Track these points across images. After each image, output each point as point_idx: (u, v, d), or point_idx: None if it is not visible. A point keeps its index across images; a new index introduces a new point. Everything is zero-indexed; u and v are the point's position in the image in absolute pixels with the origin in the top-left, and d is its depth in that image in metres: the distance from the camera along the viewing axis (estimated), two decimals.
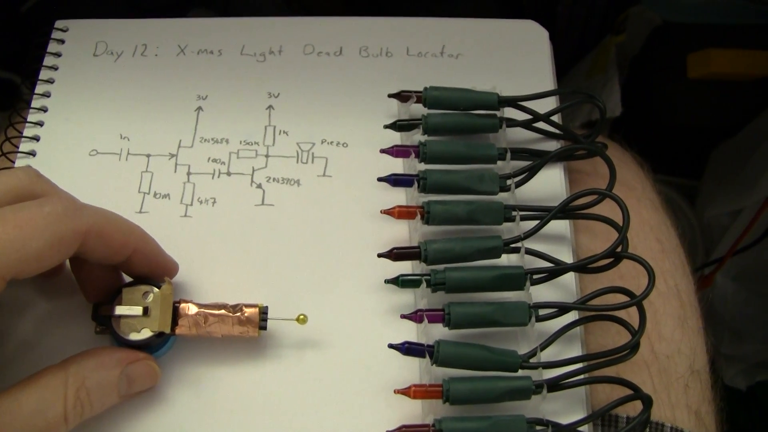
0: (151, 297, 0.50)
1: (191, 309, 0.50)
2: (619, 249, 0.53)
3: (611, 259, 0.53)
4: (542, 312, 0.52)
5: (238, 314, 0.50)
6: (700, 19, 1.15)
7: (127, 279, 0.52)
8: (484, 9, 1.20)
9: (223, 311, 0.50)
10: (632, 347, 0.51)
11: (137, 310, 0.50)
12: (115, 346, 0.50)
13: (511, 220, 0.55)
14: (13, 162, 0.59)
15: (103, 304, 0.51)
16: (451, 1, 1.15)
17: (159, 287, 0.51)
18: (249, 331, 0.50)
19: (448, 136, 0.59)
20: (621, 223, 0.53)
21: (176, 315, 0.50)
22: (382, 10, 0.67)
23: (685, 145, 1.19)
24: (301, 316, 0.51)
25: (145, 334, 0.50)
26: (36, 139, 0.60)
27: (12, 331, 0.53)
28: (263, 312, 0.51)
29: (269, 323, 0.51)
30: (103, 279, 0.51)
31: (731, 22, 1.12)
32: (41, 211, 0.43)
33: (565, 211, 0.55)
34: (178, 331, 0.50)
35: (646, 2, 1.17)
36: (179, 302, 0.51)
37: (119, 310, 0.50)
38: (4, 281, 0.42)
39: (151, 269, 0.51)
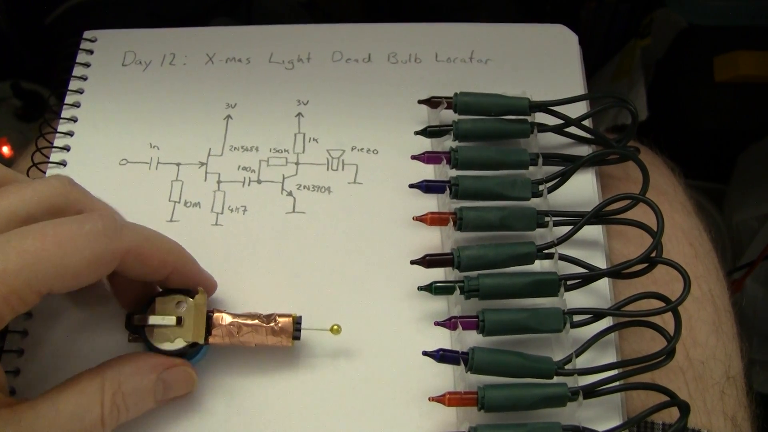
0: (184, 307, 0.50)
1: (225, 319, 0.50)
2: (653, 254, 0.52)
3: (646, 265, 0.53)
4: (576, 318, 0.52)
5: (272, 324, 0.50)
6: (726, 22, 1.14)
7: None
8: (507, 14, 1.20)
9: (256, 321, 0.50)
10: (668, 353, 0.50)
11: (170, 320, 0.50)
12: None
13: (544, 225, 0.54)
14: (44, 172, 0.59)
15: (135, 313, 0.50)
16: (473, 6, 1.15)
17: (192, 297, 0.50)
18: (283, 341, 0.50)
19: (479, 142, 0.58)
20: (655, 228, 0.52)
21: (210, 325, 0.50)
22: (404, 19, 0.67)
23: (713, 148, 1.18)
24: (335, 327, 0.51)
25: (179, 344, 0.49)
26: (66, 149, 0.61)
27: (46, 339, 0.53)
28: (297, 322, 0.51)
29: (303, 333, 0.51)
30: (138, 290, 0.52)
31: (759, 23, 1.12)
32: (81, 229, 0.43)
33: (598, 216, 0.55)
34: (211, 340, 0.50)
35: (671, 5, 1.17)
36: (213, 312, 0.51)
37: (152, 320, 0.50)
38: (39, 296, 0.42)
39: (188, 287, 0.51)
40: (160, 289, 0.52)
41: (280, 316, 0.50)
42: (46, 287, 0.42)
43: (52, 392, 0.44)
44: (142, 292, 0.51)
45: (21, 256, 0.41)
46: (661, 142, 0.69)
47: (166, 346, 0.49)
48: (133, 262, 0.46)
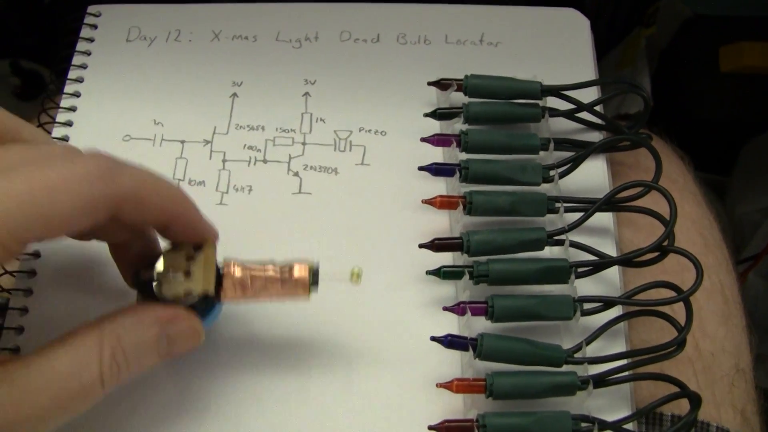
0: (194, 260, 0.46)
1: (236, 270, 0.47)
2: (665, 243, 0.51)
3: (657, 254, 0.52)
4: (587, 306, 0.51)
5: (287, 275, 0.46)
6: (732, 12, 1.13)
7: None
8: None
9: (271, 273, 0.47)
10: (679, 344, 0.49)
11: (179, 274, 0.46)
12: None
13: (555, 211, 0.54)
14: None
15: (142, 268, 0.46)
16: None
17: (200, 249, 0.47)
18: (300, 294, 0.47)
19: (489, 126, 0.57)
20: (667, 217, 0.52)
21: (220, 276, 0.46)
22: None
23: (716, 140, 1.18)
24: (355, 270, 0.47)
25: (190, 299, 0.45)
26: (69, 124, 0.60)
27: (47, 316, 0.52)
28: (314, 273, 0.47)
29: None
30: (137, 247, 0.48)
31: (765, 14, 1.11)
32: (73, 172, 0.39)
33: (609, 203, 0.54)
34: (222, 294, 0.46)
35: None
36: (224, 265, 0.47)
37: (158, 275, 0.46)
38: (25, 244, 0.39)
39: (187, 235, 0.47)
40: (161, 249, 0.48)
41: (298, 265, 0.47)
42: (33, 235, 0.39)
43: (47, 348, 0.40)
44: (142, 251, 0.48)
45: (4, 202, 0.37)
46: (665, 133, 0.68)
47: (177, 299, 0.45)
48: (130, 209, 0.42)
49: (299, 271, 0.46)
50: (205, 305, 0.46)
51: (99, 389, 0.41)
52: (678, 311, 0.50)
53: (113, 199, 0.41)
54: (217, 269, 0.47)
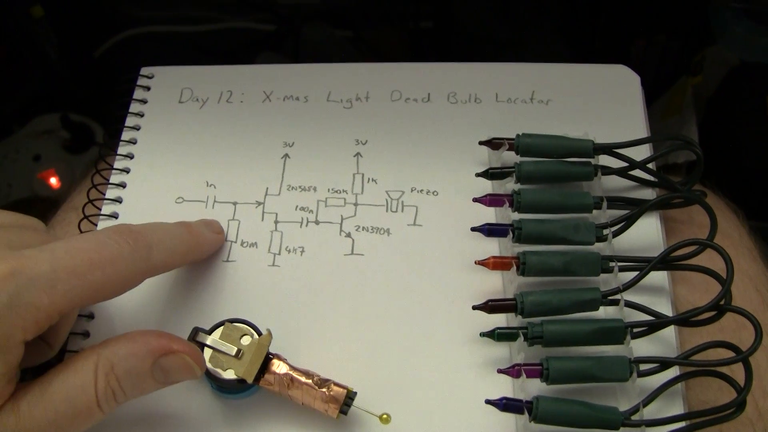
0: (248, 341, 0.50)
1: (281, 368, 0.50)
2: (722, 302, 0.51)
3: (714, 313, 0.51)
4: (643, 367, 0.50)
5: (324, 389, 0.49)
6: None
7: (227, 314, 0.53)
8: (554, 52, 1.19)
9: (310, 381, 0.49)
10: (738, 405, 0.49)
11: (231, 349, 0.50)
12: (156, 332, 0.48)
13: (609, 271, 0.53)
14: (100, 209, 0.59)
15: (202, 330, 0.51)
16: (519, 43, 1.15)
17: (260, 334, 0.51)
18: (329, 411, 0.49)
19: (542, 185, 0.57)
20: (723, 274, 0.51)
21: (265, 367, 0.50)
22: (449, 55, 0.66)
23: (765, 188, 1.16)
24: (384, 416, 0.50)
25: (229, 374, 0.49)
26: (122, 185, 0.60)
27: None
28: (350, 397, 0.49)
29: (351, 411, 0.50)
30: None
31: None
32: (121, 252, 0.46)
33: (664, 261, 0.53)
34: (261, 383, 0.50)
35: (722, 42, 1.15)
36: (272, 356, 0.50)
37: (212, 342, 0.50)
38: (64, 311, 0.43)
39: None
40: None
41: (336, 385, 0.49)
42: (83, 304, 0.45)
43: (45, 376, 0.44)
44: None
45: (70, 278, 0.43)
46: (716, 185, 0.67)
47: (217, 372, 0.50)
48: (159, 272, 0.51)
49: (336, 391, 0.49)
50: (241, 385, 0.50)
51: (97, 412, 0.44)
52: (736, 370, 0.50)
53: (150, 274, 0.49)
54: (267, 356, 0.50)
